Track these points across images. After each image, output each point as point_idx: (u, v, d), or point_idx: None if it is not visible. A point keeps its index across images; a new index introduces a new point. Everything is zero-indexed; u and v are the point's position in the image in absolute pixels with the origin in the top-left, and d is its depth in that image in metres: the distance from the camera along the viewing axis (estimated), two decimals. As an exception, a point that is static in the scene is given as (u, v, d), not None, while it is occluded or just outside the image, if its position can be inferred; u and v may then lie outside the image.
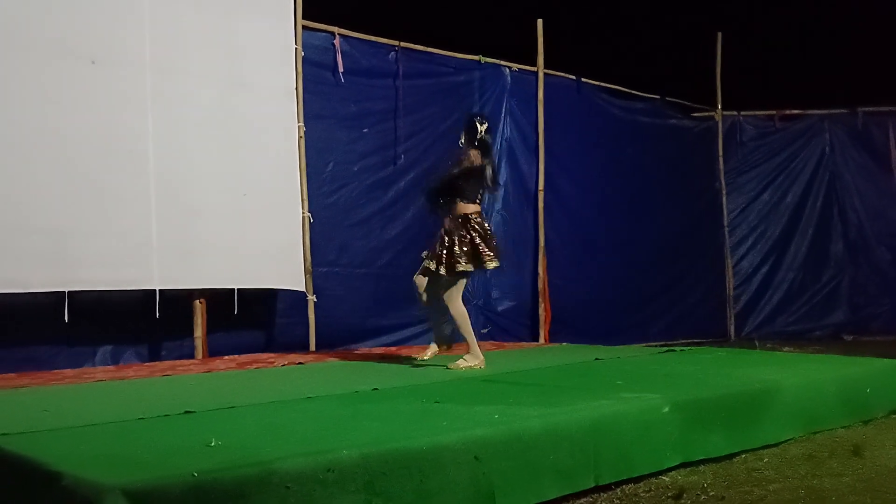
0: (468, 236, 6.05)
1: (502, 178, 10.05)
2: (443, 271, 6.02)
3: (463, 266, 6.01)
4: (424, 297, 6.28)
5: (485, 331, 9.74)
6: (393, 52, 9.01)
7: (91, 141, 6.83)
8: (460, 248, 6.02)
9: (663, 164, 11.45)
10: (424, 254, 6.24)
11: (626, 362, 6.56)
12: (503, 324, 9.94)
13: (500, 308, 10.02)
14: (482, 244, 6.05)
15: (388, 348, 8.16)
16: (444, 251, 6.04)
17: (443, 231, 6.12)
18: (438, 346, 6.50)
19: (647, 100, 11.45)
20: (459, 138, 6.31)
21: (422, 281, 6.24)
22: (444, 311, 6.19)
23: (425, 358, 6.47)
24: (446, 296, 6.11)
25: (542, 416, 3.89)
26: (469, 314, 9.51)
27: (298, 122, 8.08)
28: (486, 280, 9.94)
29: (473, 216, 6.13)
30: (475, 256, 6.05)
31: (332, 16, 8.48)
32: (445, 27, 10.04)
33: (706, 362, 6.49)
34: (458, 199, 6.12)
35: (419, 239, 9.00)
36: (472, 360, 6.13)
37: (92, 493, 2.62)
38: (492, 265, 6.14)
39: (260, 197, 7.75)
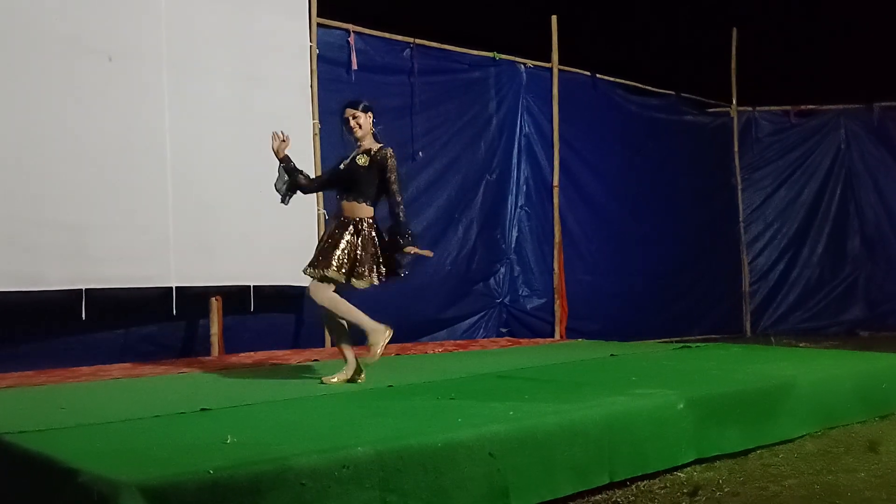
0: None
1: (523, 174, 10.07)
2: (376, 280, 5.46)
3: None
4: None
5: (504, 330, 9.73)
6: (408, 49, 9.02)
7: (108, 137, 6.86)
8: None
9: (679, 160, 11.42)
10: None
11: (641, 358, 6.56)
12: (528, 321, 9.90)
13: (529, 306, 9.99)
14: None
15: (404, 345, 8.16)
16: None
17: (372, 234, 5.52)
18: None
19: (663, 96, 11.43)
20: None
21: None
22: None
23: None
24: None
25: (556, 413, 3.89)
26: (492, 312, 9.64)
27: (313, 118, 8.11)
28: (514, 278, 9.93)
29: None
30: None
31: (347, 13, 8.50)
32: (460, 24, 10.04)
33: (721, 358, 6.46)
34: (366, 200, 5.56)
35: (439, 236, 9.05)
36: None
37: (109, 490, 2.63)
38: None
39: (276, 194, 7.75)
